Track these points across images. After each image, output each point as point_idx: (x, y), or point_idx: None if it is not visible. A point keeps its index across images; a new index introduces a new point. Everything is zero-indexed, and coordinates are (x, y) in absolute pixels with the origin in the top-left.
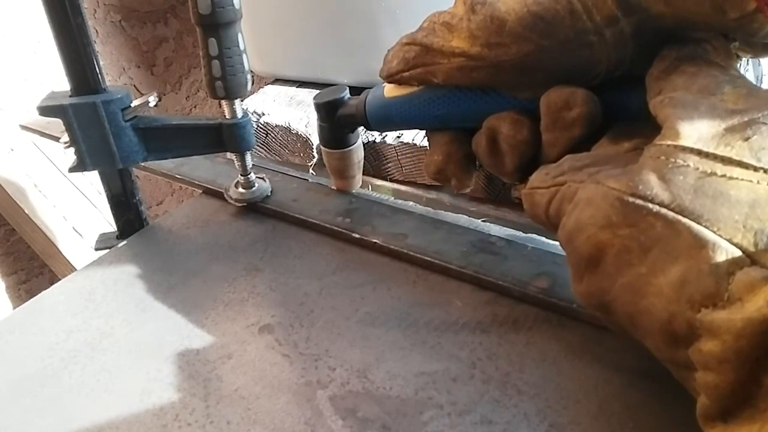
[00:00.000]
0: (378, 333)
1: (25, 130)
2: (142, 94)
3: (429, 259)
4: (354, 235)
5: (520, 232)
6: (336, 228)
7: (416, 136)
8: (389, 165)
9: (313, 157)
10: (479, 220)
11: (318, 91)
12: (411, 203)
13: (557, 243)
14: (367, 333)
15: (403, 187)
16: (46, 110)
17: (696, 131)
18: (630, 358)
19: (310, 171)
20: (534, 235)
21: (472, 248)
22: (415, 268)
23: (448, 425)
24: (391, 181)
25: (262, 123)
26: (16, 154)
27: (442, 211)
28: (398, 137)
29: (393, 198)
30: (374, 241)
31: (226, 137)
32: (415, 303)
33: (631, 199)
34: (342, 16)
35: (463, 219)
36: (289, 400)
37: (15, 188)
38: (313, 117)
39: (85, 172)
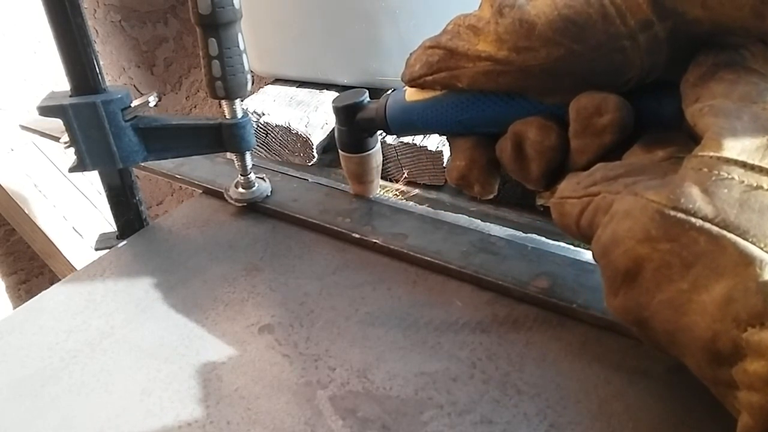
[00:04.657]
0: (378, 333)
1: (25, 130)
2: (142, 94)
3: (429, 259)
4: (354, 235)
5: (520, 232)
6: (336, 228)
7: (416, 137)
8: (389, 165)
9: (313, 157)
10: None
11: (338, 94)
12: (411, 203)
13: (557, 243)
14: (367, 333)
15: (403, 187)
16: (46, 110)
17: (739, 142)
18: (630, 358)
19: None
20: (534, 235)
21: (472, 248)
22: (415, 268)
23: (448, 425)
24: (391, 181)
25: (262, 123)
26: (16, 154)
27: (442, 211)
28: (398, 137)
29: (394, 198)
30: (374, 241)
31: (226, 137)
32: (415, 303)
33: (672, 213)
34: (342, 16)
35: (463, 219)
36: (289, 400)
37: (15, 188)
38: (313, 117)
39: (85, 172)
